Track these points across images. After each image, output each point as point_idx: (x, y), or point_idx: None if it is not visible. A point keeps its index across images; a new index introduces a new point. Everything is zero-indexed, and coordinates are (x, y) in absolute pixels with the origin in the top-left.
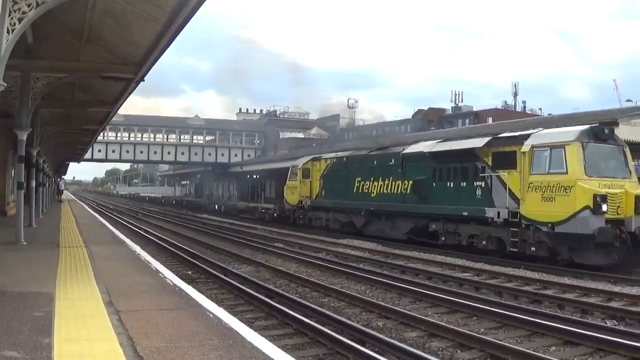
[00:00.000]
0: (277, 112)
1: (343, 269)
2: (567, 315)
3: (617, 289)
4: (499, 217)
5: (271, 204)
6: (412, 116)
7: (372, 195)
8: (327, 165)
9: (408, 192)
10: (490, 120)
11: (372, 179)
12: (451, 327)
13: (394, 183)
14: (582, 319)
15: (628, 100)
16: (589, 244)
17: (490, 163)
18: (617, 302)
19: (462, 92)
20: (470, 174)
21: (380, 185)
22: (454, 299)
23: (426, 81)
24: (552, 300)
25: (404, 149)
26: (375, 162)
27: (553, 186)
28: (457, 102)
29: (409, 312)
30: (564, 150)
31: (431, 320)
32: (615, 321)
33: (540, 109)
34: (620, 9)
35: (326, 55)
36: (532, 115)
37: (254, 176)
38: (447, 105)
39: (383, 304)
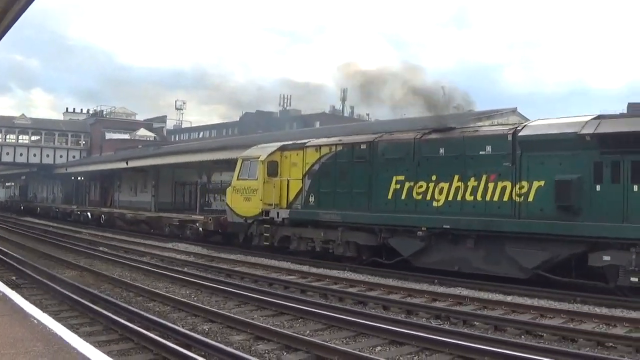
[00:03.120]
0: (104, 112)
1: (168, 273)
2: (392, 315)
3: (441, 289)
4: None
5: (198, 215)
6: (240, 119)
7: (436, 204)
8: (322, 156)
9: (531, 199)
10: (318, 124)
11: (434, 177)
12: (277, 329)
13: (493, 185)
14: (407, 319)
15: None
16: None
17: None
18: (441, 302)
19: (290, 95)
20: None
21: (458, 189)
22: (279, 301)
23: (254, 84)
24: (377, 301)
25: (515, 129)
26: (441, 150)
27: None
28: (285, 106)
29: (235, 316)
30: None
31: (257, 323)
32: (440, 320)
33: (368, 115)
34: (451, 18)
35: (154, 54)
36: (360, 121)
37: (79, 178)
38: (276, 109)
39: (208, 307)
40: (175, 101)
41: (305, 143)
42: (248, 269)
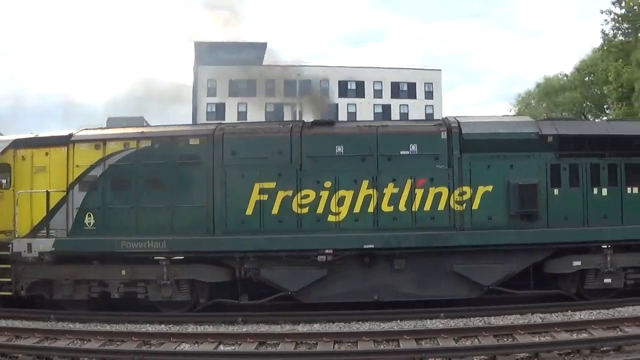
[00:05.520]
0: None
1: None
2: None
3: None
4: None
5: None
6: None
7: (334, 219)
8: (108, 156)
9: (476, 207)
10: None
11: (328, 184)
12: None
13: (422, 192)
14: None
15: None
16: None
17: None
18: None
19: None
20: None
21: (369, 198)
22: None
23: None
24: None
25: (449, 127)
26: (339, 148)
27: None
28: None
29: None
30: None
31: None
32: None
33: None
34: None
35: None
36: None
37: None
38: None
39: None
40: None
41: (69, 136)
42: None
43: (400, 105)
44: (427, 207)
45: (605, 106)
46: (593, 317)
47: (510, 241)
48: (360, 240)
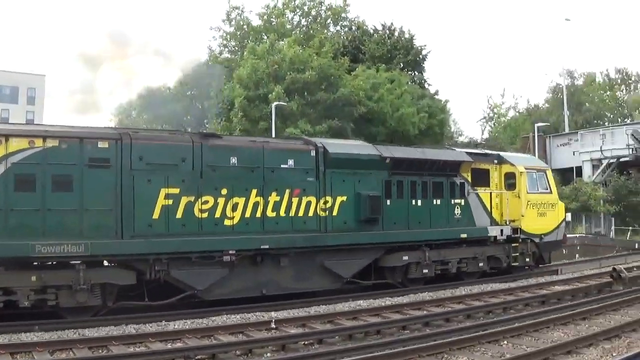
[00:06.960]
0: None
1: None
2: None
3: None
4: (502, 234)
5: None
6: None
7: (229, 222)
8: (11, 153)
9: (335, 214)
10: None
11: (224, 191)
12: None
13: (297, 200)
14: None
15: None
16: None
17: (469, 179)
18: None
19: None
20: (446, 190)
21: (257, 204)
22: None
23: None
24: None
25: (316, 146)
26: (233, 159)
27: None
28: None
29: None
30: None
31: None
32: None
33: None
34: None
35: None
36: None
37: None
38: None
39: None
40: None
41: None
42: None
43: (1, 109)
44: (300, 213)
45: (205, 120)
46: (187, 327)
47: (367, 241)
48: (257, 242)
